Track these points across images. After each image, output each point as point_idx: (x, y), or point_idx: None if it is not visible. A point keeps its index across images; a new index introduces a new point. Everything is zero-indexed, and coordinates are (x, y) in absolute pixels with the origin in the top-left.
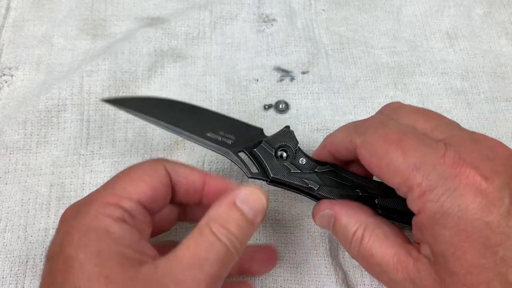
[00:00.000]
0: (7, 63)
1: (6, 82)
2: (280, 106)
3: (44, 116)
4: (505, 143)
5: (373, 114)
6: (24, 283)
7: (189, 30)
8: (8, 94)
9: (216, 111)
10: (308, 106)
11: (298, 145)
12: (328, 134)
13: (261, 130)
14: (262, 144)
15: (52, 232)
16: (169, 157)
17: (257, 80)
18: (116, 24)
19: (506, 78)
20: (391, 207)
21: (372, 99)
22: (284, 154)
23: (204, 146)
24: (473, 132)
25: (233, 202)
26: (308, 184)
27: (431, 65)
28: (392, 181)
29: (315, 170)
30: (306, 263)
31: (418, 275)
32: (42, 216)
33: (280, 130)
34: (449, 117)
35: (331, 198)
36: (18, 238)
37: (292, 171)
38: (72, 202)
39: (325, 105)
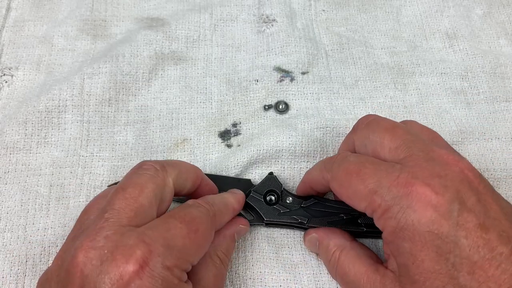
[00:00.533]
0: (8, 63)
1: (6, 82)
2: (280, 106)
3: (45, 117)
4: (504, 143)
5: (353, 125)
6: (24, 282)
7: (190, 33)
8: (9, 94)
9: (211, 173)
10: (308, 106)
11: (283, 187)
12: (328, 131)
13: (249, 180)
14: (251, 194)
15: (51, 231)
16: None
17: (257, 81)
18: (116, 25)
19: (505, 78)
20: (372, 223)
21: (372, 99)
22: (273, 198)
23: None
24: (431, 150)
25: (233, 236)
26: (298, 220)
27: (431, 65)
28: (360, 207)
29: (302, 205)
30: (304, 264)
31: None
32: (41, 216)
33: (264, 178)
34: (449, 117)
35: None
36: (18, 238)
37: (282, 211)
38: (70, 203)
39: (325, 105)
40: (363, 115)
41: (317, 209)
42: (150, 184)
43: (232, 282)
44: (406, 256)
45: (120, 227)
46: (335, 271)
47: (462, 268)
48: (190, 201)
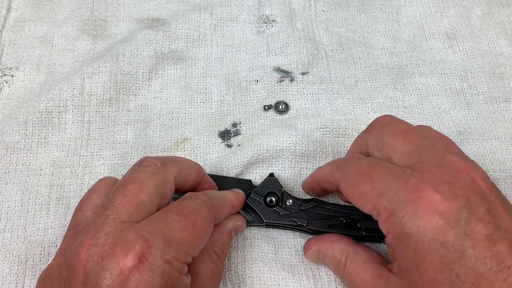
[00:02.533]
0: (8, 63)
1: (6, 82)
2: (280, 106)
3: (45, 117)
4: (503, 143)
5: (369, 124)
6: (24, 282)
7: (190, 32)
8: (9, 95)
9: (211, 173)
10: (307, 106)
11: (283, 189)
12: (328, 131)
13: (249, 181)
14: (251, 195)
15: (51, 231)
16: None
17: (257, 81)
18: (116, 25)
19: (505, 79)
20: (371, 227)
21: (372, 100)
22: (273, 199)
23: None
24: (443, 157)
25: (230, 232)
26: (298, 222)
27: (431, 65)
28: (365, 208)
29: (302, 208)
30: (303, 264)
31: None
32: (41, 216)
33: (265, 179)
34: (448, 118)
35: (320, 230)
36: (18, 238)
37: (281, 213)
38: (71, 203)
39: (324, 106)
40: (363, 115)
41: (317, 212)
42: (151, 180)
43: (231, 281)
44: (410, 262)
45: (120, 223)
46: (343, 277)
47: (466, 279)
48: (188, 194)
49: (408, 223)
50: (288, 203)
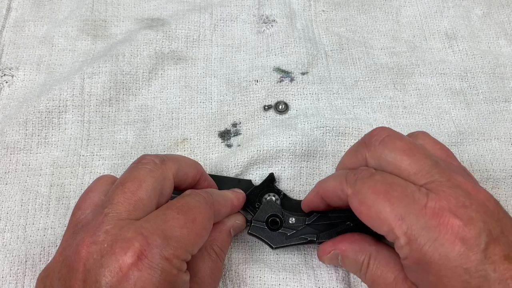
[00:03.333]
0: (8, 63)
1: (6, 82)
2: (280, 106)
3: (45, 117)
4: (503, 143)
5: (356, 141)
6: (24, 282)
7: (190, 32)
8: (9, 95)
9: (211, 173)
10: (307, 106)
11: (283, 192)
12: (328, 130)
13: (249, 181)
14: (253, 224)
15: (51, 231)
16: None
17: (257, 81)
18: (116, 25)
19: (504, 79)
20: None
21: (371, 100)
22: (276, 220)
23: None
24: (451, 176)
25: (229, 231)
26: (308, 238)
27: (430, 65)
28: (381, 229)
29: (306, 223)
30: (305, 264)
31: None
32: (41, 216)
33: (261, 205)
34: (448, 118)
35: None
36: (18, 238)
37: (288, 234)
38: (71, 203)
39: (324, 106)
40: (363, 115)
41: (322, 222)
42: (149, 177)
43: (231, 280)
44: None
45: (119, 221)
46: (365, 278)
47: None
48: (188, 191)
49: (430, 251)
50: (291, 221)
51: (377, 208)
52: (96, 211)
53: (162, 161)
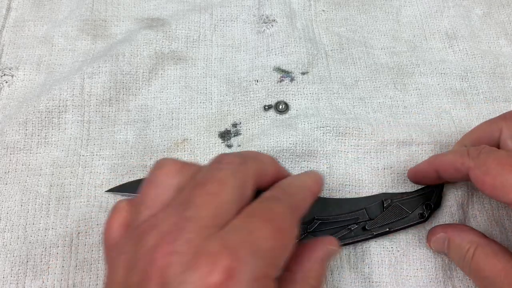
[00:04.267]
0: (8, 63)
1: (6, 82)
2: (280, 106)
3: (45, 117)
4: None
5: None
6: (24, 283)
7: (190, 33)
8: (9, 94)
9: None
10: (308, 106)
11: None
12: (328, 130)
13: None
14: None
15: (51, 232)
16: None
17: (257, 81)
18: (116, 25)
19: (505, 79)
20: (378, 226)
21: (372, 99)
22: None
23: None
24: None
25: (324, 261)
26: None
27: (431, 65)
28: (506, 198)
29: (308, 231)
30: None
31: None
32: (41, 216)
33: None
34: (448, 118)
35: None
36: (18, 238)
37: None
38: (71, 203)
39: (325, 105)
40: (363, 115)
41: (324, 229)
42: (232, 179)
43: None
44: None
45: (203, 228)
46: (469, 267)
47: None
48: (267, 194)
49: None
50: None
51: (503, 178)
52: (170, 212)
53: (243, 161)
